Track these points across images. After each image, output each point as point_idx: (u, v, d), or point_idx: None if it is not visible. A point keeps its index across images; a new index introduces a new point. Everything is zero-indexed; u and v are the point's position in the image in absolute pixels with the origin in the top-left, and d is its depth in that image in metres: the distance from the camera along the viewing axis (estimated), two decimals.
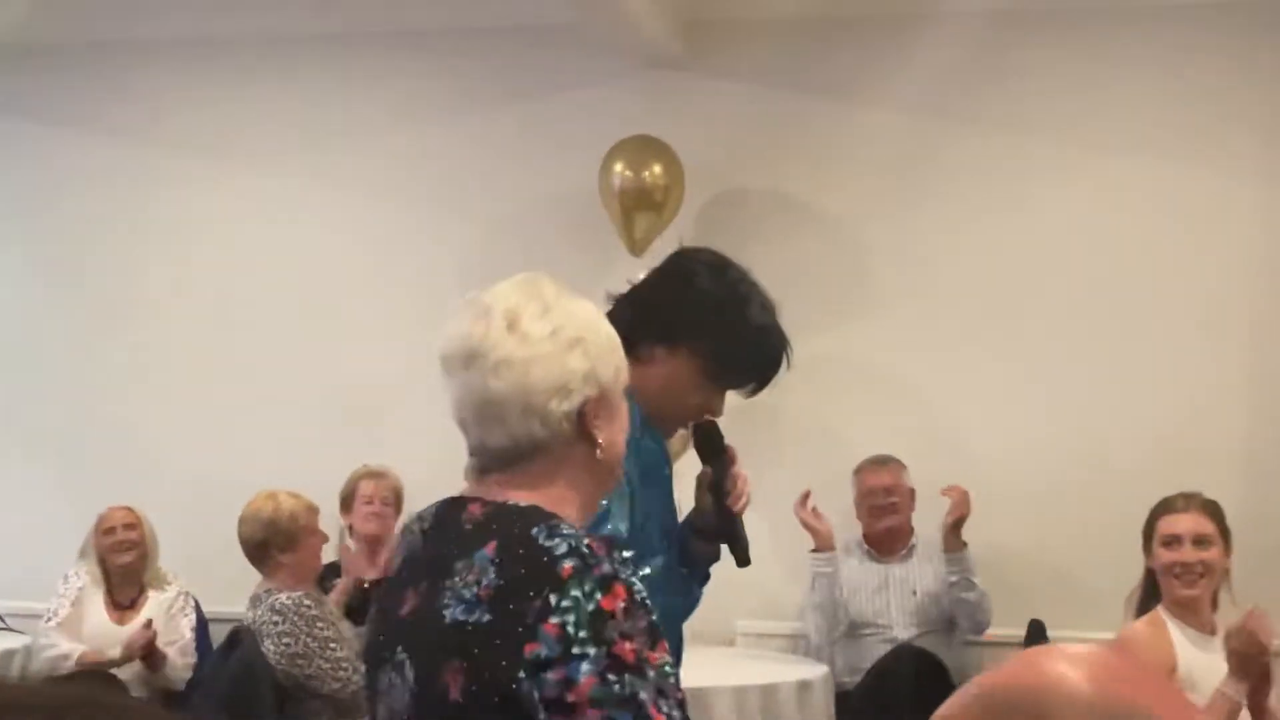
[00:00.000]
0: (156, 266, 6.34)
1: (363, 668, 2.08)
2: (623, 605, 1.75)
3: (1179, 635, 3.59)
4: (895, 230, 5.79)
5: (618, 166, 5.68)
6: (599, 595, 1.74)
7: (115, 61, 6.38)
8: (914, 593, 5.28)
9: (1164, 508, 3.75)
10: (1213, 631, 3.63)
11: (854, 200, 5.85)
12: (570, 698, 1.72)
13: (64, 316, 6.41)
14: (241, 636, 4.33)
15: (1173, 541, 3.65)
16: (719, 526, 2.73)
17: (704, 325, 2.65)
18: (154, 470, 6.04)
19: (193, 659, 5.38)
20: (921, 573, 5.30)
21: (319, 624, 4.25)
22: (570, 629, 1.72)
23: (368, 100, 6.24)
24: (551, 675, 1.72)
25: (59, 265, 6.44)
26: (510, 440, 1.87)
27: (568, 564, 1.74)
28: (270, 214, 6.26)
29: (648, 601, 1.80)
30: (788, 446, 5.78)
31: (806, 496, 5.28)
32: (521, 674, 1.73)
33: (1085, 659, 0.98)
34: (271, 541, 4.44)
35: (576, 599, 1.73)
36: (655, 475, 2.69)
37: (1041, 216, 5.67)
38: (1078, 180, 5.66)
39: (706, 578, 2.86)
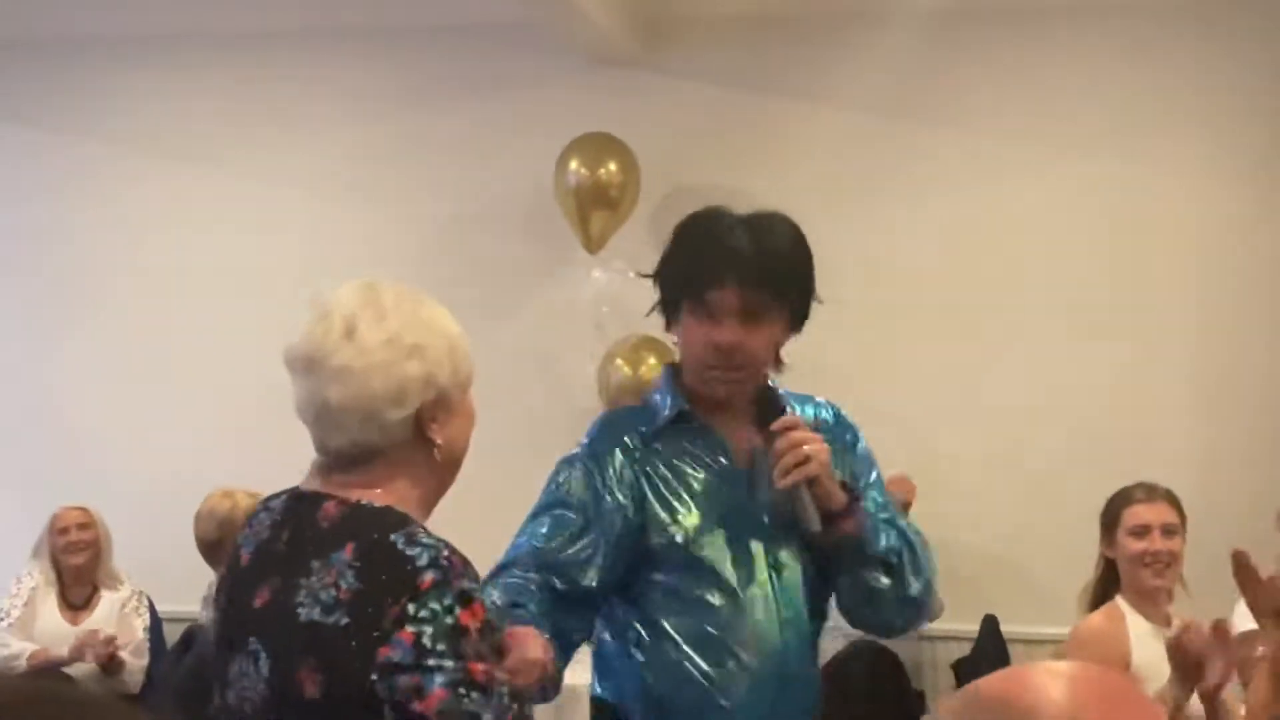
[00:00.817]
0: (106, 265, 6.30)
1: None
2: (478, 625, 1.78)
3: (1136, 627, 3.61)
4: (849, 227, 5.80)
5: (573, 164, 5.68)
6: (458, 610, 1.76)
7: (57, 58, 6.33)
8: None
9: (1128, 498, 3.74)
10: (1167, 623, 3.66)
11: (807, 197, 5.83)
12: (418, 707, 1.74)
13: (14, 316, 6.36)
14: (195, 635, 4.31)
15: (1142, 531, 3.66)
16: (776, 501, 2.46)
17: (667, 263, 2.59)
18: (107, 469, 6.00)
19: (145, 659, 5.36)
20: None
21: None
22: (426, 640, 1.74)
23: (321, 97, 6.21)
24: (403, 681, 1.74)
25: (7, 264, 6.38)
26: (350, 444, 1.89)
27: (429, 575, 1.77)
28: (222, 213, 6.22)
29: (494, 622, 1.84)
30: None
31: None
32: (374, 676, 1.75)
33: (1070, 676, 0.99)
34: (227, 540, 4.41)
35: (435, 611, 1.75)
36: (688, 476, 2.52)
37: (991, 212, 5.71)
38: (1027, 177, 5.71)
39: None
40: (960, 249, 5.72)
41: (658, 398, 2.60)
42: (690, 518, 2.47)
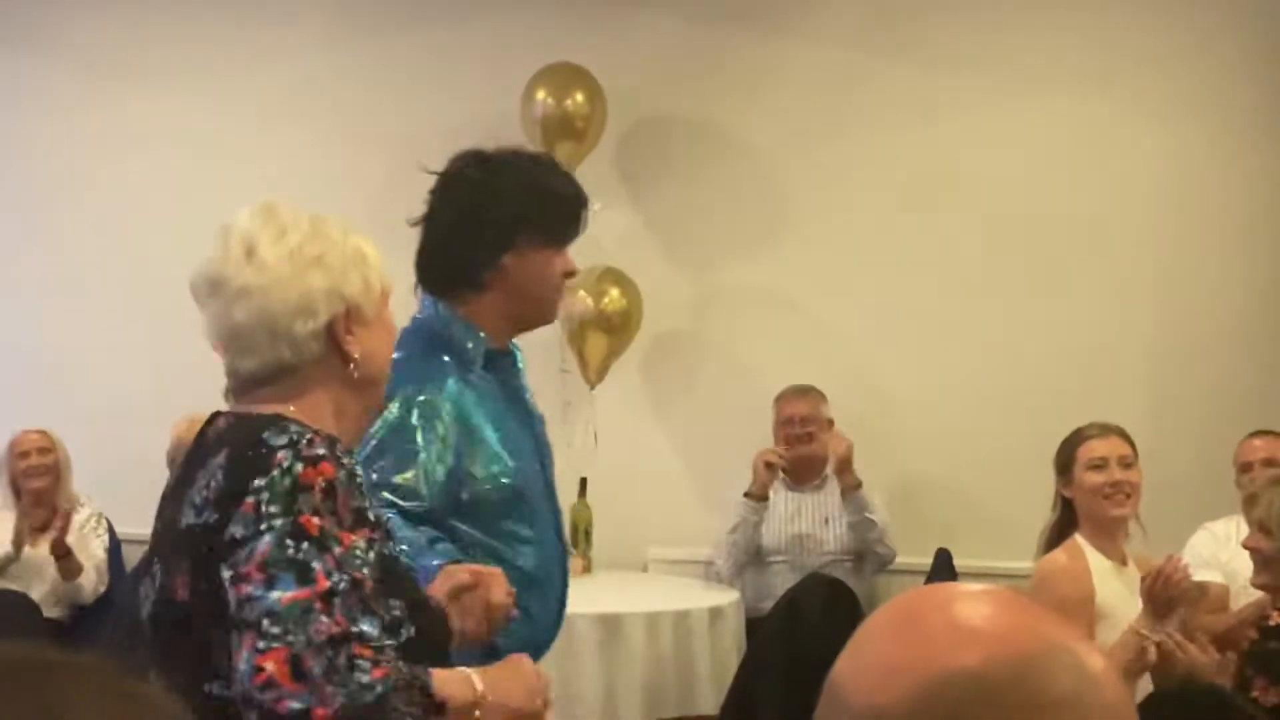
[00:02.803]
0: (65, 186, 6.23)
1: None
2: (323, 482, 1.75)
3: (1096, 563, 3.66)
4: (816, 163, 5.82)
5: (540, 94, 5.64)
6: (299, 468, 1.75)
7: None
8: (826, 521, 5.34)
9: (1081, 436, 3.78)
10: (1124, 561, 3.72)
11: (776, 131, 5.86)
12: (244, 569, 1.71)
13: None
14: None
15: (1100, 464, 3.70)
16: None
17: (522, 206, 2.63)
18: (64, 390, 5.97)
19: (105, 581, 5.36)
20: (835, 502, 5.35)
21: None
22: (263, 505, 1.73)
23: (283, 24, 6.13)
24: (241, 552, 1.73)
25: None
26: (260, 364, 1.89)
27: (281, 454, 1.77)
28: (180, 136, 6.14)
29: (362, 489, 1.81)
30: (702, 375, 5.83)
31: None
32: (222, 559, 1.73)
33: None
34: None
35: (274, 478, 1.75)
36: (495, 408, 2.62)
37: (958, 150, 5.71)
38: (995, 119, 5.71)
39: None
40: (925, 186, 5.72)
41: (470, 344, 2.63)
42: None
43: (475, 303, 2.61)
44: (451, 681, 1.84)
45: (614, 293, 5.59)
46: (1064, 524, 3.78)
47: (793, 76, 5.84)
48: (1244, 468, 4.78)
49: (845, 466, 5.26)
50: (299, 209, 1.94)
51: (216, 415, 1.94)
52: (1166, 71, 5.59)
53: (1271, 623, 3.35)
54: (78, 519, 5.43)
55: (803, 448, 5.41)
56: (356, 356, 1.91)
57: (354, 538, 1.77)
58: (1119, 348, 5.61)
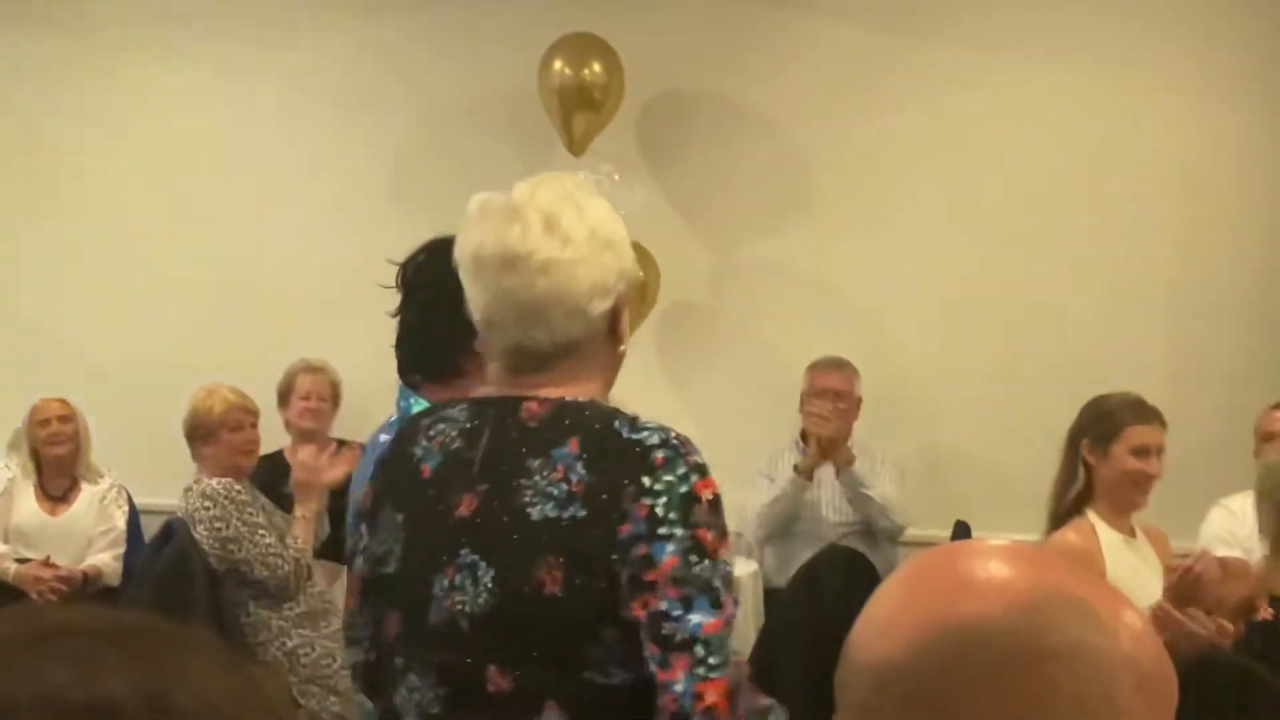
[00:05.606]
0: (76, 155, 6.21)
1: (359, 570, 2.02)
2: (710, 496, 1.81)
3: (1107, 537, 3.65)
4: (837, 138, 5.80)
5: (557, 64, 5.63)
6: (694, 479, 1.80)
7: None
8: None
9: (1133, 414, 3.70)
10: (1132, 534, 3.71)
11: (796, 105, 5.84)
12: (649, 576, 1.77)
13: None
14: (175, 529, 4.35)
15: (1143, 452, 3.65)
16: None
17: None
18: (83, 361, 5.98)
19: (122, 548, 5.38)
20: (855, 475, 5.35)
21: (248, 509, 4.29)
22: (660, 510, 1.78)
23: None
24: (635, 553, 1.77)
25: None
26: (550, 341, 1.90)
27: (660, 454, 1.81)
28: (199, 107, 6.14)
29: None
30: (722, 350, 5.83)
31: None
32: (615, 556, 1.77)
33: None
34: (209, 435, 4.49)
35: (669, 483, 1.79)
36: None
37: (979, 124, 5.70)
38: (1017, 95, 5.69)
39: None
40: (946, 160, 5.71)
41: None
42: None
43: (451, 387, 2.52)
44: None
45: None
46: (1082, 494, 3.73)
47: (814, 51, 5.81)
48: (1266, 437, 4.76)
49: (835, 446, 5.24)
50: (578, 183, 1.98)
51: (511, 399, 1.90)
52: (1191, 46, 5.57)
53: (1259, 618, 3.34)
54: (97, 490, 5.46)
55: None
56: (625, 340, 1.98)
57: (726, 554, 1.83)
58: (1139, 321, 5.59)
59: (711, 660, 1.76)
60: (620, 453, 1.81)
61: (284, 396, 5.52)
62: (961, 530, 5.25)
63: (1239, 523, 4.69)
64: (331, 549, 4.49)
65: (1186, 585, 3.26)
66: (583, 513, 1.79)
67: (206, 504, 4.27)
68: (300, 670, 4.21)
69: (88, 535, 5.37)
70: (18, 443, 5.46)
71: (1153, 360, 5.45)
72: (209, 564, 4.24)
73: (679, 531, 1.77)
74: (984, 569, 0.94)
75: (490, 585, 1.82)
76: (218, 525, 4.24)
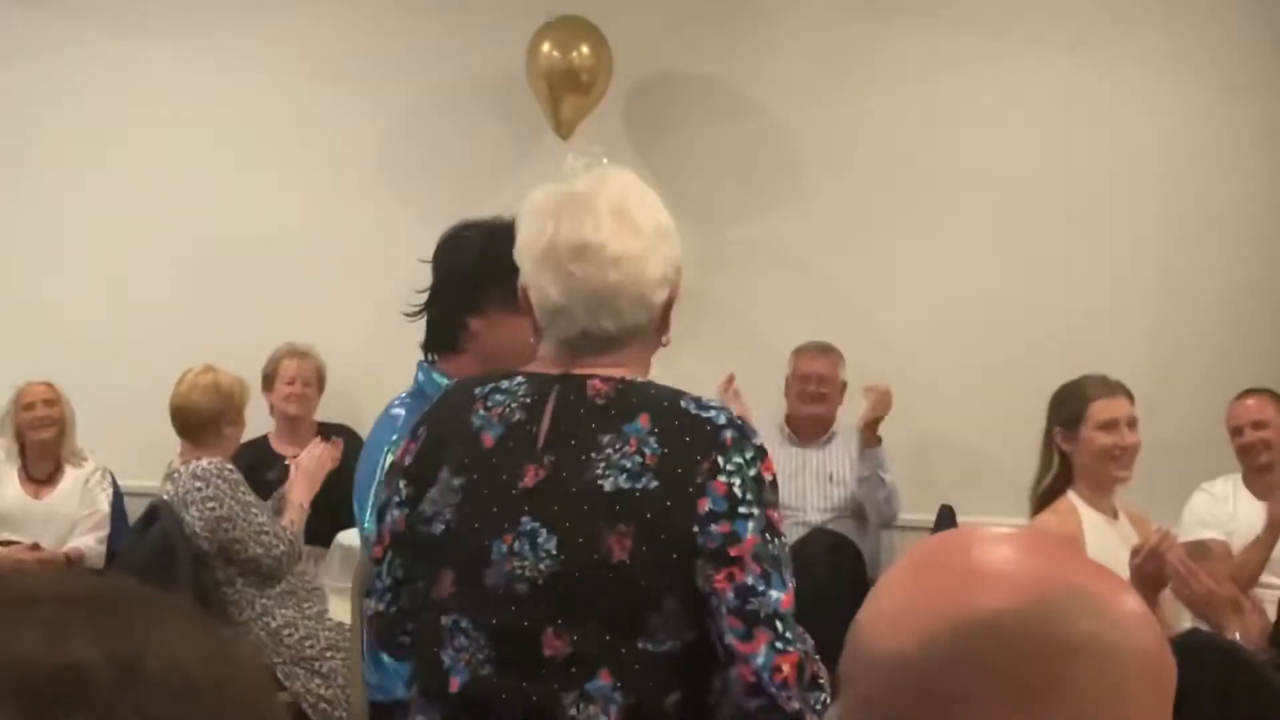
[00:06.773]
0: (61, 135, 6.18)
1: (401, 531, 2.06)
2: (770, 479, 1.92)
3: (1088, 518, 3.66)
4: (822, 120, 5.80)
5: (545, 47, 5.62)
6: (759, 463, 1.91)
7: None
8: (830, 478, 5.35)
9: (1088, 393, 3.73)
10: (1115, 514, 3.72)
11: (782, 88, 5.84)
12: (734, 551, 1.86)
13: None
14: (159, 511, 4.33)
15: (1111, 425, 3.67)
16: None
17: (478, 273, 2.76)
18: (66, 343, 5.95)
19: (106, 531, 5.37)
20: (839, 460, 5.36)
21: (240, 488, 4.26)
22: (737, 489, 1.87)
23: None
24: (717, 528, 1.85)
25: None
26: (619, 328, 1.98)
27: (729, 434, 1.90)
28: (181, 86, 6.11)
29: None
30: (707, 332, 5.82)
31: (730, 380, 5.31)
32: (695, 528, 1.85)
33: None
34: (224, 415, 4.44)
35: (740, 464, 1.89)
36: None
37: (966, 112, 5.70)
38: (1001, 76, 5.69)
39: None
40: (930, 142, 5.71)
41: None
42: None
43: (455, 363, 2.76)
44: None
45: None
46: (1059, 481, 3.75)
47: (801, 33, 5.81)
48: (1234, 431, 4.77)
49: (878, 422, 5.24)
50: (633, 175, 2.06)
51: (575, 377, 1.97)
52: (1172, 29, 5.58)
53: None
54: (81, 473, 5.45)
55: (816, 406, 5.41)
56: (671, 330, 2.06)
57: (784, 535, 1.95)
58: (1122, 307, 5.60)
59: (788, 635, 1.86)
60: (691, 428, 1.90)
61: (269, 380, 5.51)
62: (946, 515, 5.25)
63: (1221, 506, 4.72)
64: (310, 534, 4.48)
65: (1151, 563, 3.30)
66: (655, 484, 1.87)
67: (198, 484, 4.22)
68: (284, 650, 4.19)
69: (71, 518, 5.37)
70: (2, 426, 5.44)
71: (1135, 346, 5.46)
72: (195, 546, 4.20)
73: (755, 511, 1.87)
74: (998, 560, 0.96)
75: (553, 551, 1.89)
76: (211, 505, 4.18)
